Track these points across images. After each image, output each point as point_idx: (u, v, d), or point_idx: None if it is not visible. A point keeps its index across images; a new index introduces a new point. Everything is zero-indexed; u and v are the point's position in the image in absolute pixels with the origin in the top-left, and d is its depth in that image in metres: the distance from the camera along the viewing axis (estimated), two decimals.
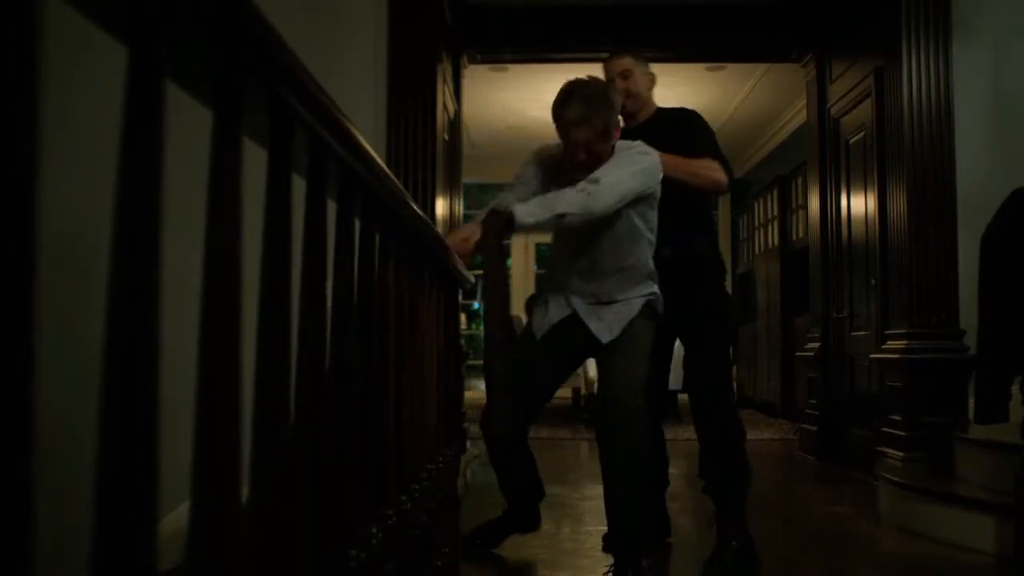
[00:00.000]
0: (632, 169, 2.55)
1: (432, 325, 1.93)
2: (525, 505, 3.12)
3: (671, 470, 3.36)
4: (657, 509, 3.17)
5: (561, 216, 2.47)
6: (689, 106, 3.22)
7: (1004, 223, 3.18)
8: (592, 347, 2.77)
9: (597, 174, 2.51)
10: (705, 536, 3.09)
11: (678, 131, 2.98)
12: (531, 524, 3.17)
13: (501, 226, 2.52)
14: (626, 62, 3.07)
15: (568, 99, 2.52)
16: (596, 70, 2.93)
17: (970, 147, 4.26)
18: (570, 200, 2.47)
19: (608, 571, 2.62)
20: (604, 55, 3.20)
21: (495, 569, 2.93)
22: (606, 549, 3.01)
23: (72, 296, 1.72)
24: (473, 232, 2.57)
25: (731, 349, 3.33)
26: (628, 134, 2.90)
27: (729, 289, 4.04)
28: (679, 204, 2.86)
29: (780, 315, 8.33)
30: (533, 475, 3.08)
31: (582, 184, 2.49)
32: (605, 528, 3.47)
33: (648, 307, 2.73)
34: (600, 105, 2.50)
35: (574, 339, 2.77)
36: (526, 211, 2.48)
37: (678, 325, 3.00)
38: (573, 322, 2.76)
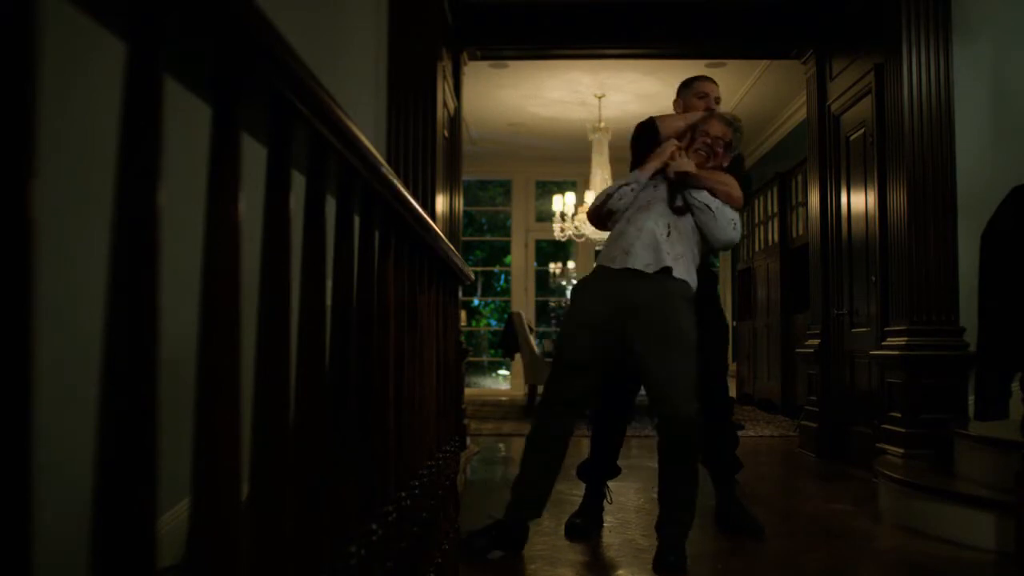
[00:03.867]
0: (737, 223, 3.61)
1: (432, 322, 1.93)
2: (529, 511, 3.09)
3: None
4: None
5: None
6: None
7: (1004, 220, 3.18)
8: None
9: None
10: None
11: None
12: (520, 541, 3.06)
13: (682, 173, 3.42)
14: (718, 90, 3.71)
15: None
16: (595, 68, 2.94)
17: (970, 145, 4.26)
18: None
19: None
20: (605, 52, 3.26)
21: (495, 566, 2.93)
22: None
23: (71, 294, 1.72)
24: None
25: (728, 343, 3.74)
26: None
27: (730, 287, 4.23)
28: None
29: (780, 312, 8.33)
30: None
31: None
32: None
33: None
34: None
35: None
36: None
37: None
38: None
